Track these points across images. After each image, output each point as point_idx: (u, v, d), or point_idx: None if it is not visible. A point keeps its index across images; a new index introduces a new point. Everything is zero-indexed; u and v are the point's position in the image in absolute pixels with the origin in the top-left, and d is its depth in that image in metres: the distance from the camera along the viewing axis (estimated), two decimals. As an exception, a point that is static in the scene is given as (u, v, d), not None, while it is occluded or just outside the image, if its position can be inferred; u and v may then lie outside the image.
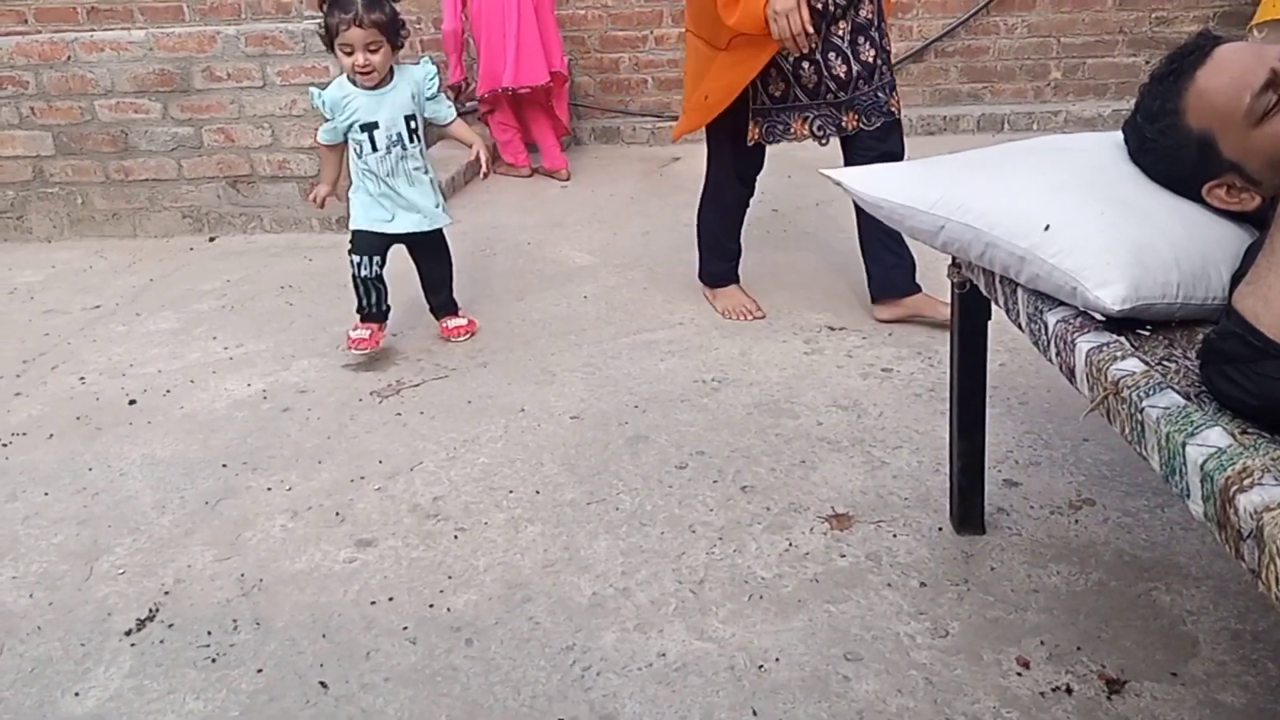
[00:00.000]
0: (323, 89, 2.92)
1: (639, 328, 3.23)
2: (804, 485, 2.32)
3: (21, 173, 4.45)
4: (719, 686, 1.72)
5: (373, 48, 2.80)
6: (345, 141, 2.96)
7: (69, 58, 4.26)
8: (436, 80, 2.98)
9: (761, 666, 1.76)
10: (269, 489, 2.41)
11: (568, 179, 5.11)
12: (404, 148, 2.93)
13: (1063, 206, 1.50)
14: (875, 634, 1.83)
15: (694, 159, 5.42)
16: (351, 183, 3.02)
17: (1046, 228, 1.45)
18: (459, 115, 4.29)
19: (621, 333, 3.20)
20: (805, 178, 4.95)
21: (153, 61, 4.23)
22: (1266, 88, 1.37)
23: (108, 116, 4.33)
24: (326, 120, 2.94)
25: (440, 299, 3.22)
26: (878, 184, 1.74)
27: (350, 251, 3.03)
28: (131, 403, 2.89)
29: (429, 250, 3.15)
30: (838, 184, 1.83)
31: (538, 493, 2.33)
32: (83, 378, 3.08)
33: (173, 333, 3.39)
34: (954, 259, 1.86)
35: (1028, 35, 5.53)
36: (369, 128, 2.89)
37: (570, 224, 4.37)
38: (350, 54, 2.80)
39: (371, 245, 3.00)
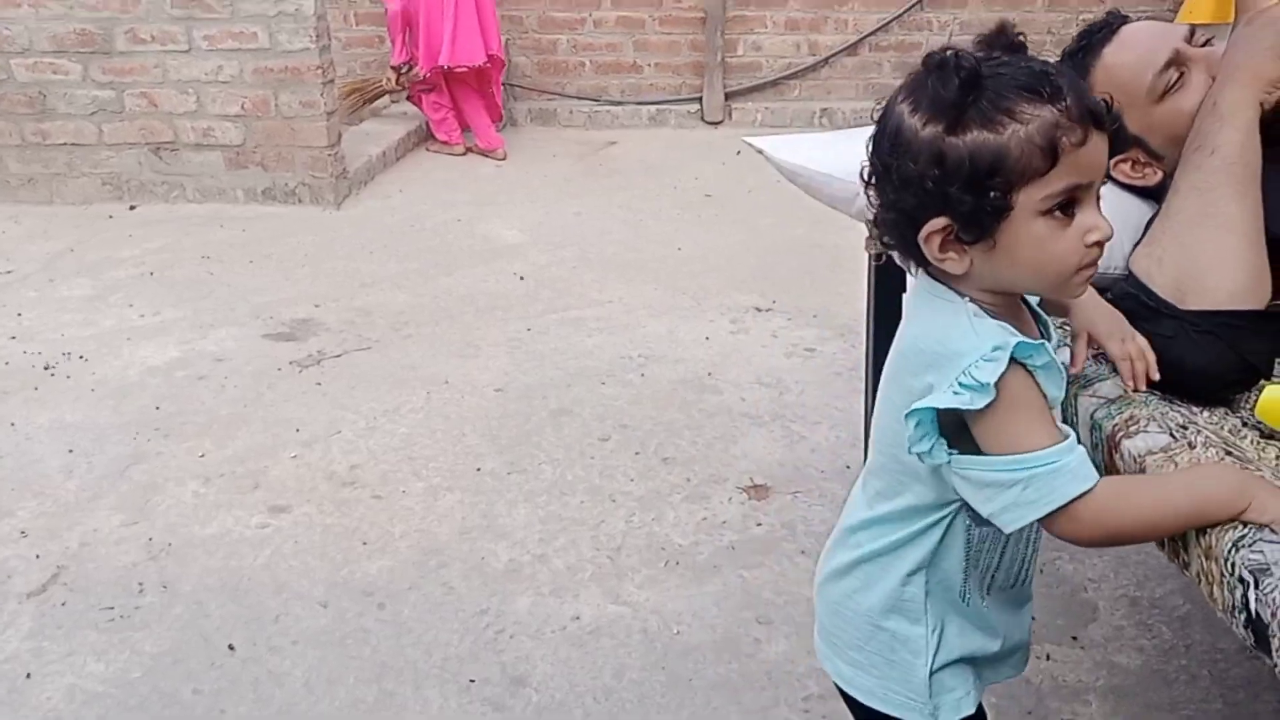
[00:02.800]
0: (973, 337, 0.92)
1: (567, 305, 3.23)
2: (724, 458, 2.34)
3: (-70, 134, 4.28)
4: (631, 648, 1.73)
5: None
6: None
7: (-17, 15, 4.10)
8: None
9: (674, 629, 1.78)
10: (181, 455, 2.35)
11: (504, 158, 5.08)
12: None
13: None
14: (787, 599, 1.85)
15: (630, 143, 5.44)
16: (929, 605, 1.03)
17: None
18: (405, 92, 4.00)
19: (549, 309, 3.19)
20: (739, 164, 4.98)
21: (73, 21, 4.09)
22: (1168, 65, 1.41)
23: (25, 76, 4.18)
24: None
25: None
26: (796, 152, 1.76)
27: None
28: (45, 368, 2.80)
29: None
30: (759, 152, 1.84)
31: (458, 462, 2.32)
32: (-11, 342, 2.98)
33: (87, 300, 3.29)
34: (870, 231, 1.89)
35: (960, 32, 5.63)
36: None
37: (502, 203, 4.34)
38: (1069, 213, 0.89)
39: None
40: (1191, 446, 1.03)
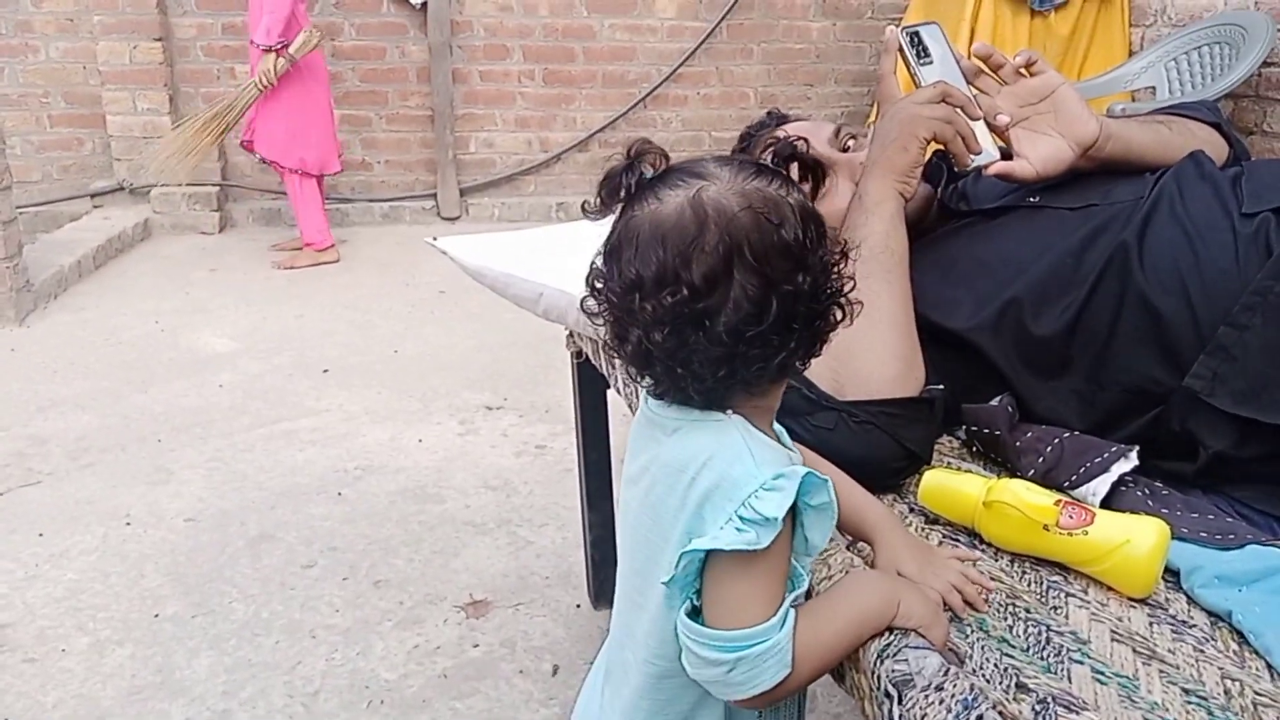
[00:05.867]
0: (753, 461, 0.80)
1: (278, 417, 2.99)
2: (443, 574, 2.18)
3: None
4: (321, 812, 1.53)
5: None
6: None
7: None
8: None
9: (373, 781, 1.59)
10: None
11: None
12: None
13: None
14: (501, 728, 1.71)
15: (361, 241, 5.25)
16: None
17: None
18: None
19: (257, 423, 2.94)
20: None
21: None
22: None
23: None
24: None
25: None
26: (479, 253, 1.69)
27: None
28: None
29: None
30: (443, 253, 1.75)
31: (133, 609, 2.03)
32: None
33: None
34: (570, 332, 1.84)
35: (682, 129, 5.87)
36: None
37: (214, 310, 4.03)
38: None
39: None
40: (848, 547, 0.99)
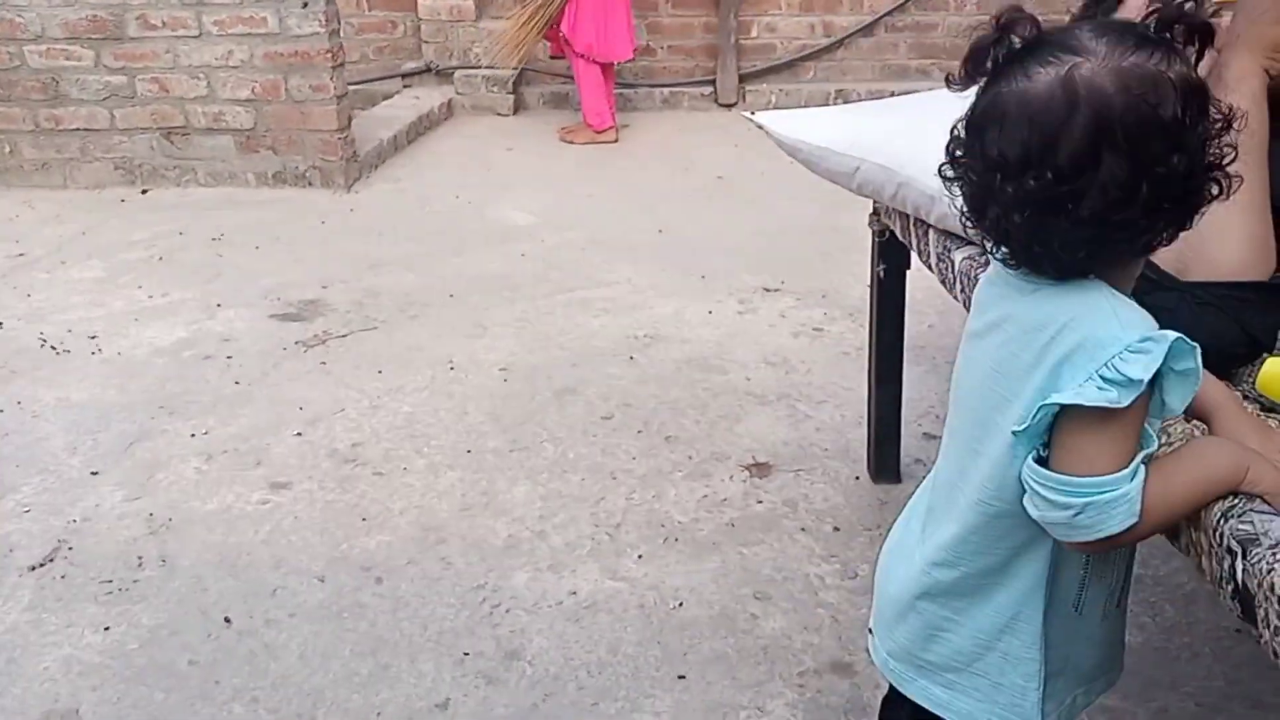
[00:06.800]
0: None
1: (575, 285, 3.21)
2: (728, 436, 2.32)
3: (-54, 119, 4.31)
4: (627, 623, 1.72)
5: None
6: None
7: (-4, 0, 4.12)
8: None
9: (671, 605, 1.76)
10: (185, 433, 2.36)
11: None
12: None
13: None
14: (786, 575, 1.84)
15: (643, 126, 5.41)
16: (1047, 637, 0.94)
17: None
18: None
19: (557, 290, 3.18)
20: (752, 147, 4.94)
21: (84, 7, 4.10)
22: None
23: (38, 63, 4.20)
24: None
25: None
26: (796, 127, 1.74)
27: None
28: (51, 348, 2.82)
29: None
30: (759, 127, 1.82)
31: (460, 440, 2.31)
32: (0, 323, 3.00)
33: (97, 281, 3.31)
34: (874, 208, 1.87)
35: (977, 13, 5.55)
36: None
37: (513, 186, 4.33)
38: None
39: None
40: (1187, 419, 1.00)
